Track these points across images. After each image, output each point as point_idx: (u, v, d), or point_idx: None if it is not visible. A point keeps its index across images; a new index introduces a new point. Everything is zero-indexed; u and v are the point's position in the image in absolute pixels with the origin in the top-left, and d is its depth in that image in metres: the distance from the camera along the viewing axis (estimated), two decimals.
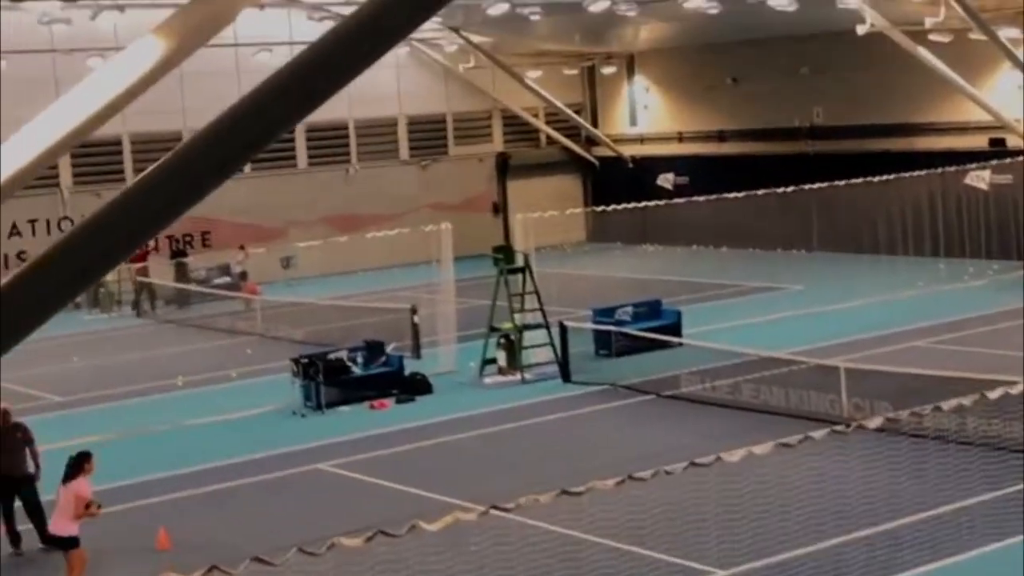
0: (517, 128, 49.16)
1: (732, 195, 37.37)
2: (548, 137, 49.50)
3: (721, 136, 45.93)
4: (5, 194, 3.77)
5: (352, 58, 4.44)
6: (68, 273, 3.95)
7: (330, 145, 45.27)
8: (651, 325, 27.14)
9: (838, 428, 14.10)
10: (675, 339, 26.47)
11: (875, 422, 14.34)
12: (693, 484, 15.77)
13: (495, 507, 11.61)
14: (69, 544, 15.14)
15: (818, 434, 12.92)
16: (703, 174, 44.48)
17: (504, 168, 48.81)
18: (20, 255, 39.82)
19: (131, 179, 40.64)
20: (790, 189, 34.40)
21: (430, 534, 11.34)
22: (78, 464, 15.45)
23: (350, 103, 43.12)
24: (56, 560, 16.84)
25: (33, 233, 40.35)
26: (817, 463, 17.36)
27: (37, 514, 16.99)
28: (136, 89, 6.29)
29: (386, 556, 14.30)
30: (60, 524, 15.17)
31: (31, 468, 17.18)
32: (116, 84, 6.31)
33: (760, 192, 36.78)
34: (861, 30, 36.61)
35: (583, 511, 15.09)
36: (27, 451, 17.25)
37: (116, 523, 18.50)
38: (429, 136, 47.57)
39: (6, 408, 17.65)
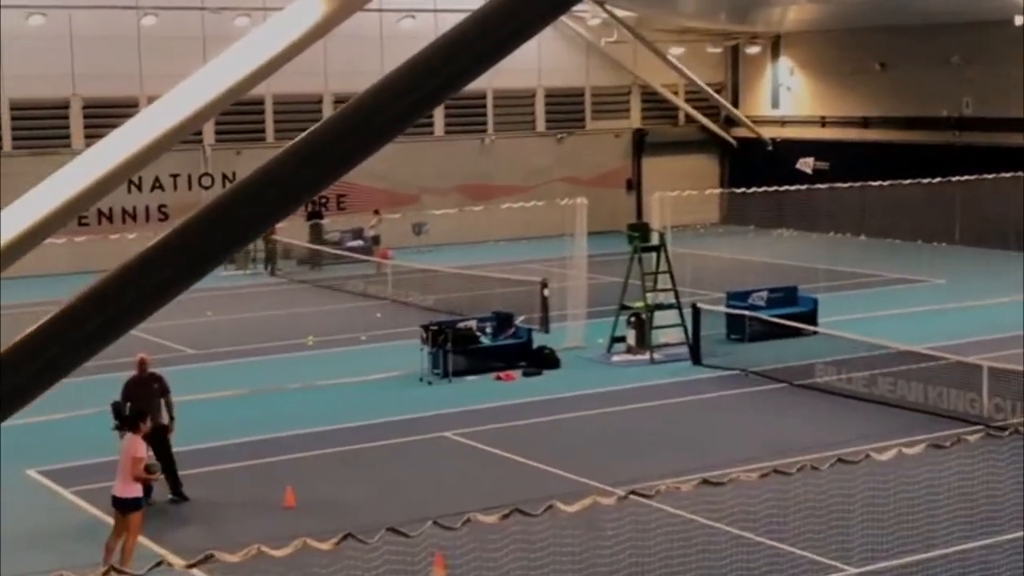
0: (656, 105, 48.65)
1: (875, 183, 36.53)
2: (687, 115, 48.89)
3: (865, 122, 44.92)
4: (153, 156, 3.68)
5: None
6: (223, 232, 3.77)
7: (467, 114, 45.25)
8: (786, 312, 26.61)
9: (993, 431, 13.58)
10: (810, 327, 25.91)
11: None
12: (838, 480, 15.37)
13: (634, 492, 11.38)
14: (132, 506, 14.81)
15: (973, 437, 12.45)
16: (845, 160, 43.55)
17: (640, 145, 48.35)
18: (161, 208, 40.56)
19: (271, 139, 41.17)
20: (935, 180, 33.42)
21: (566, 515, 11.15)
22: (133, 421, 15.30)
23: (489, 72, 42.89)
24: (185, 511, 17.10)
25: (175, 188, 41.05)
26: (966, 464, 16.78)
27: (169, 464, 17.19)
28: (291, 51, 6.15)
29: (520, 534, 14.18)
30: (123, 486, 14.82)
31: (165, 419, 17.34)
32: (272, 46, 6.17)
33: (904, 182, 35.91)
34: (1020, 21, 35.45)
35: (723, 501, 14.79)
36: (162, 401, 17.39)
37: (244, 478, 18.72)
38: (566, 109, 47.30)
39: (143, 357, 17.85)
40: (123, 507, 14.81)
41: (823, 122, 46.45)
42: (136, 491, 14.89)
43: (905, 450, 12.09)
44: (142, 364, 17.63)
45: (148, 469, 14.94)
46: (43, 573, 12.36)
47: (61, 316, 3.53)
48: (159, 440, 17.07)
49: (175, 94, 4.08)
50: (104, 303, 3.66)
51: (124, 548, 14.67)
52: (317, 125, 3.83)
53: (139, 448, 14.96)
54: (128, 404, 16.98)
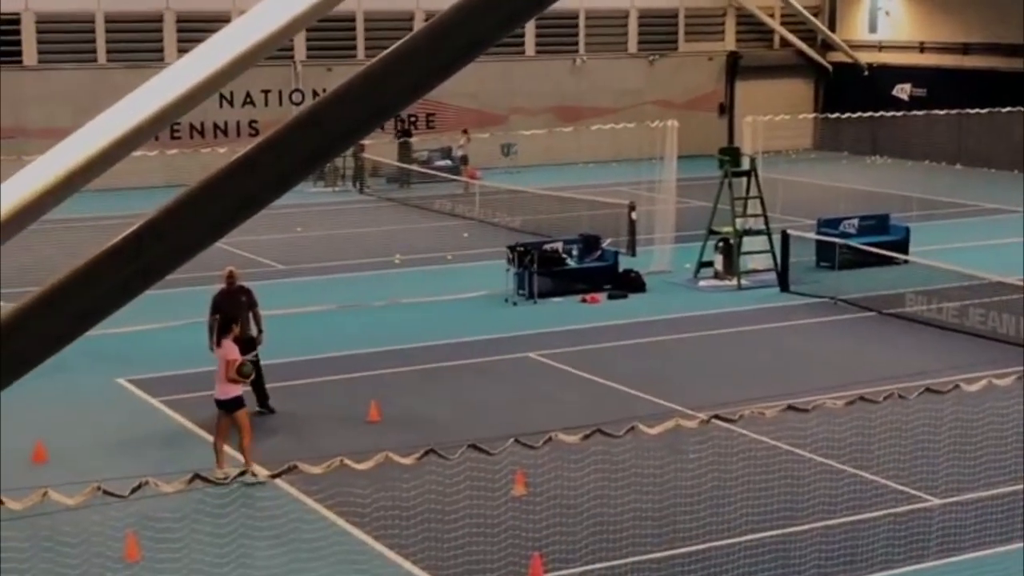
0: (751, 28, 47.85)
1: (973, 111, 35.75)
2: (782, 39, 48.06)
3: (966, 48, 43.84)
4: (240, 70, 3.67)
5: None
6: (315, 142, 3.77)
7: (559, 34, 44.86)
8: (877, 240, 26.23)
9: None
10: (901, 256, 25.54)
11: None
12: (925, 410, 15.20)
13: (717, 416, 11.34)
14: (234, 406, 15.26)
15: None
16: (943, 87, 42.62)
17: (734, 68, 47.66)
18: (252, 123, 40.84)
19: (362, 56, 41.15)
20: None
21: (648, 437, 11.15)
22: (225, 329, 15.60)
23: None
24: (270, 423, 17.37)
25: (266, 103, 41.29)
26: None
27: (257, 377, 17.33)
28: None
29: (601, 454, 14.22)
30: (222, 388, 15.30)
31: (254, 331, 17.52)
32: None
33: (1003, 110, 35.10)
34: None
35: (807, 428, 14.69)
36: (251, 314, 17.55)
37: (329, 392, 18.95)
38: (659, 30, 46.71)
39: (232, 270, 17.97)
40: (226, 407, 15.21)
41: (921, 47, 45.42)
42: (235, 391, 15.29)
43: (996, 381, 11.88)
44: (230, 277, 17.75)
45: (240, 371, 15.23)
46: (131, 478, 12.62)
47: (153, 221, 3.55)
48: (248, 352, 17.25)
49: (264, 7, 4.05)
50: (194, 213, 3.67)
51: (242, 448, 15.07)
52: (405, 38, 3.79)
53: (232, 351, 15.30)
54: (216, 316, 17.21)
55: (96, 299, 3.56)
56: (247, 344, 17.15)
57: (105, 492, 11.79)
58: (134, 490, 11.94)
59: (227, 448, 15.24)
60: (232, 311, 17.00)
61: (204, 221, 3.58)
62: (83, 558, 12.81)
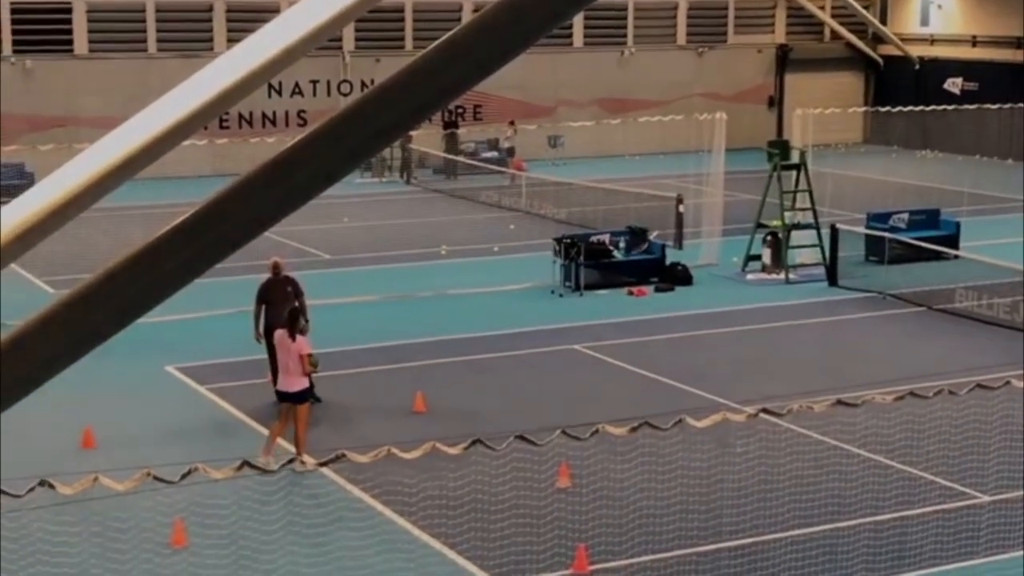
0: (801, 20, 47.53)
1: None
2: (832, 32, 47.71)
3: (1019, 43, 43.33)
4: (299, 53, 3.67)
5: None
6: (362, 134, 3.74)
7: (607, 25, 44.73)
8: (927, 235, 26.01)
9: None
10: (951, 251, 25.32)
11: None
12: (976, 406, 15.06)
13: (765, 410, 11.28)
14: (302, 398, 15.37)
15: None
16: (995, 81, 42.16)
17: (783, 61, 47.36)
18: (300, 114, 41.00)
19: (410, 47, 41.21)
20: None
21: (695, 430, 11.10)
22: (294, 322, 15.59)
23: None
24: (317, 412, 17.33)
25: (314, 94, 41.43)
26: None
27: None
28: None
29: (648, 447, 14.17)
30: (290, 380, 15.35)
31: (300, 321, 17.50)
32: None
33: None
34: None
35: (856, 423, 14.59)
36: (296, 304, 17.54)
37: (376, 382, 19.00)
38: (708, 22, 46.48)
39: (277, 260, 18.03)
40: (293, 399, 15.31)
41: (974, 41, 44.95)
42: (304, 384, 15.39)
43: None
44: (275, 267, 17.80)
45: (311, 362, 15.36)
46: (179, 465, 12.72)
47: (203, 211, 3.56)
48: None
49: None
50: (243, 203, 3.67)
51: (296, 439, 15.15)
52: (454, 30, 3.77)
53: (305, 345, 15.42)
54: (263, 306, 17.26)
55: (146, 287, 3.57)
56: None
57: (155, 478, 11.88)
58: (183, 476, 12.03)
59: (280, 440, 15.32)
60: (278, 301, 17.08)
61: (253, 211, 3.59)
62: (132, 543, 12.93)
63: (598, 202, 31.63)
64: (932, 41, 46.39)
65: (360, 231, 31.02)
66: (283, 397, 15.49)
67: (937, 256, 24.86)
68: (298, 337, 15.41)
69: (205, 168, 34.29)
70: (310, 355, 15.35)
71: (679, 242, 27.56)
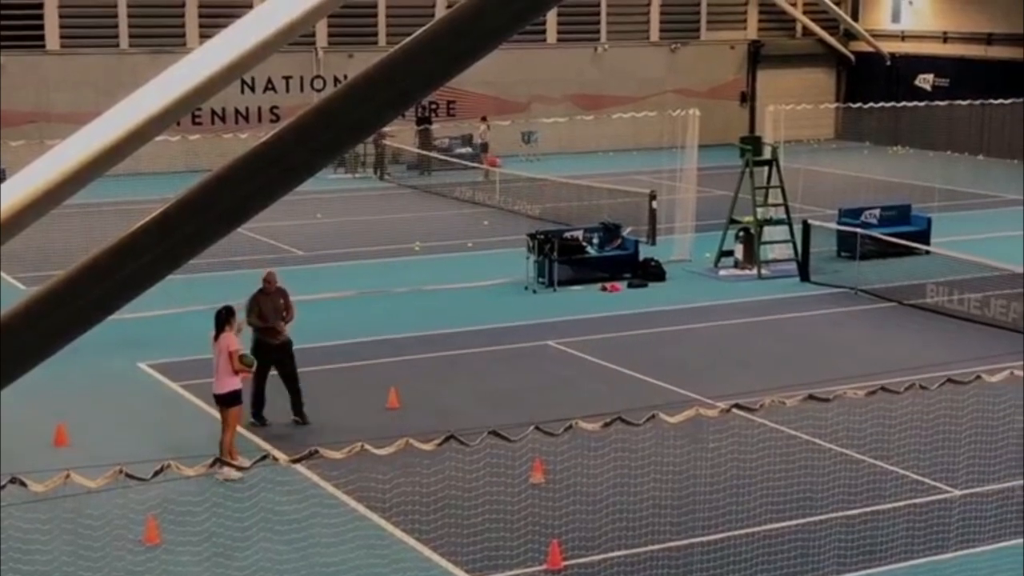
0: (773, 16, 47.66)
1: (996, 101, 35.56)
2: (804, 28, 47.87)
3: (989, 39, 43.58)
4: (268, 50, 3.66)
5: None
6: (336, 129, 3.78)
7: (580, 22, 44.76)
8: (899, 230, 26.15)
9: None
10: (923, 247, 25.47)
11: None
12: (946, 401, 15.16)
13: (738, 406, 11.33)
14: (232, 400, 15.05)
15: None
16: (966, 77, 42.38)
17: (756, 57, 47.49)
18: (273, 110, 40.88)
19: (383, 43, 41.12)
20: None
21: (668, 426, 11.15)
22: (225, 319, 15.30)
23: None
24: (290, 408, 17.35)
25: (287, 90, 41.32)
26: None
27: (293, 383, 16.80)
28: None
29: (621, 443, 14.22)
30: (221, 382, 15.06)
31: (289, 335, 16.88)
32: None
33: None
34: None
35: (828, 418, 14.67)
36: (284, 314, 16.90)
37: (349, 378, 18.98)
38: (681, 19, 46.56)
39: (271, 272, 17.41)
40: (223, 402, 15.10)
41: (945, 38, 45.18)
42: (234, 384, 15.13)
43: (1017, 372, 11.84)
44: (270, 280, 17.01)
45: (243, 361, 15.12)
46: (152, 462, 12.68)
47: (175, 207, 3.57)
48: (287, 356, 16.75)
49: None
50: (215, 199, 3.68)
51: (221, 443, 14.90)
52: (427, 25, 3.79)
53: (232, 342, 15.16)
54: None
55: (118, 283, 3.57)
56: (282, 349, 16.72)
57: (127, 475, 11.83)
58: (156, 473, 11.99)
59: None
60: (271, 313, 16.68)
61: (225, 207, 3.59)
62: (104, 541, 12.88)
63: (572, 198, 31.68)
64: (903, 37, 46.60)
65: (334, 227, 30.96)
66: (216, 399, 15.18)
67: (908, 252, 25.00)
68: (223, 334, 15.10)
69: (178, 164, 34.13)
70: (243, 355, 15.12)
71: (652, 238, 27.64)
